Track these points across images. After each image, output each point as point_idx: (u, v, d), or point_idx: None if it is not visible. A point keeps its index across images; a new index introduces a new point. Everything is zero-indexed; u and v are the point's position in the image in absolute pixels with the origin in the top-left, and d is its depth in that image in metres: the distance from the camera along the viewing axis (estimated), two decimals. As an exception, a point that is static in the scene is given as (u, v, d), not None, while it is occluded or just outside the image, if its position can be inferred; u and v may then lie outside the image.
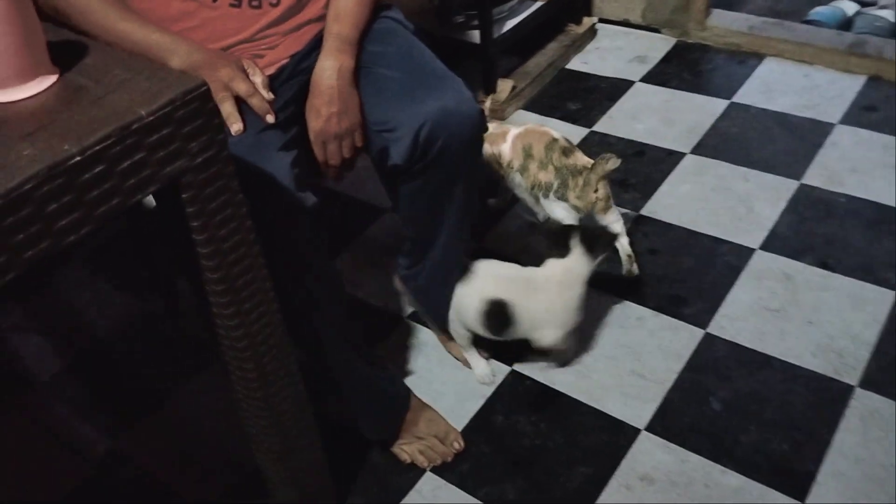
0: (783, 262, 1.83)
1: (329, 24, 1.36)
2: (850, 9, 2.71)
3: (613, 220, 1.78)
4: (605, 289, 1.82)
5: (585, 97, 2.46)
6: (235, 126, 1.20)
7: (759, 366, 1.61)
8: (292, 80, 1.40)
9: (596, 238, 1.58)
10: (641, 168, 2.17)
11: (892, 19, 2.59)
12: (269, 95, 1.25)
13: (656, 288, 1.82)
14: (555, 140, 1.76)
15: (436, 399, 1.62)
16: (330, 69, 1.32)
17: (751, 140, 2.20)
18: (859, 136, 2.15)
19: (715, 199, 2.03)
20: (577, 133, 2.32)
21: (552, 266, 1.57)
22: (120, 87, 0.86)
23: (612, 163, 1.70)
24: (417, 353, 1.76)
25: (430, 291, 1.63)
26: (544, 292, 1.55)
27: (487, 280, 1.56)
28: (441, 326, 1.69)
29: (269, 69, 1.37)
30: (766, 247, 1.87)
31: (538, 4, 2.49)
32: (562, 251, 1.56)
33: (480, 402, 1.63)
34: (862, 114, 2.23)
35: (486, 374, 1.66)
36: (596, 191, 1.72)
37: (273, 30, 1.37)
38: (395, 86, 1.36)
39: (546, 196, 1.75)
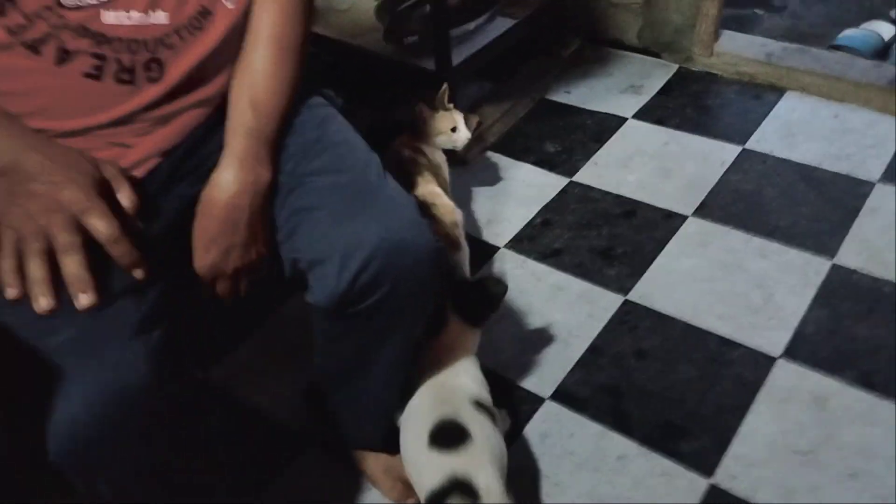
0: (814, 379, 1.38)
1: (237, 112, 0.94)
2: (887, 32, 2.26)
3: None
4: (572, 404, 1.37)
5: (567, 136, 2.01)
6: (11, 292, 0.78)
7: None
8: (170, 191, 0.97)
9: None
10: (631, 234, 1.72)
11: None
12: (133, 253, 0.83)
13: (645, 411, 1.37)
14: None
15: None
16: (236, 183, 0.91)
17: (769, 201, 1.75)
18: (907, 199, 1.71)
19: (724, 282, 1.58)
20: (553, 184, 1.87)
21: None
22: None
23: None
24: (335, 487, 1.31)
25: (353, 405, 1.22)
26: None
27: None
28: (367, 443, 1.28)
29: (136, 170, 0.94)
30: (790, 354, 1.43)
31: (510, 23, 2.04)
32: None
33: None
34: (909, 169, 1.79)
35: None
36: None
37: (148, 114, 0.93)
38: (324, 202, 0.95)
39: None
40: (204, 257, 0.93)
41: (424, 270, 0.95)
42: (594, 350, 1.48)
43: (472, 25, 1.97)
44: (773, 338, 1.46)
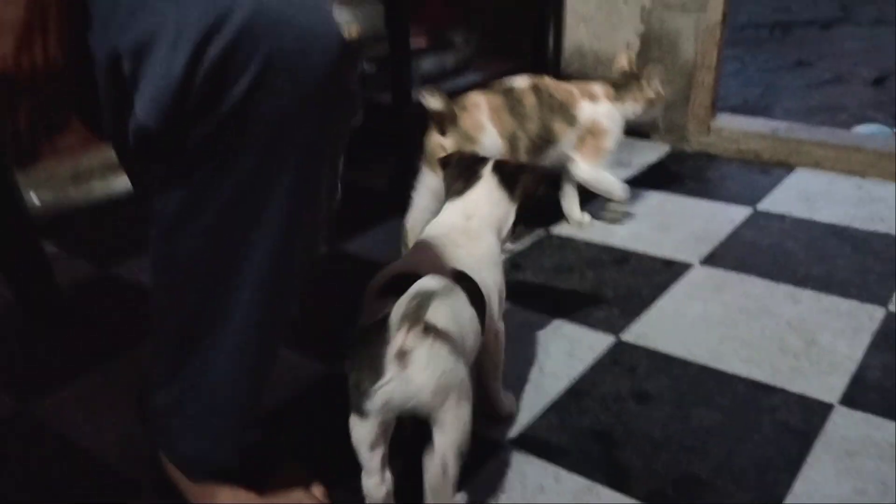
0: (884, 429, 0.96)
1: None
2: (899, 132, 2.05)
3: None
4: (543, 452, 0.93)
5: (544, 200, 1.70)
6: None
7: None
8: None
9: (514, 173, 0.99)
10: (623, 279, 1.35)
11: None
12: None
13: (650, 462, 0.92)
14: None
15: None
16: None
17: (795, 253, 1.41)
18: (965, 255, 1.37)
19: (748, 325, 1.19)
20: (527, 237, 1.52)
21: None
22: None
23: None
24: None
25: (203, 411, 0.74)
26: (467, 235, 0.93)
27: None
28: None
29: None
30: (849, 401, 1.01)
31: (482, 76, 1.81)
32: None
33: None
34: (959, 230, 1.46)
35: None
36: None
37: None
38: None
39: None
40: None
41: (319, 65, 0.58)
42: (575, 392, 1.06)
43: (428, 64, 1.73)
44: (825, 383, 1.05)
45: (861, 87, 2.99)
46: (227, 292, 0.65)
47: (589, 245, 1.48)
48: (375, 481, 0.76)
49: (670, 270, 1.37)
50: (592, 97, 1.44)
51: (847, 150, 1.73)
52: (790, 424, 0.97)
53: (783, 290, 1.28)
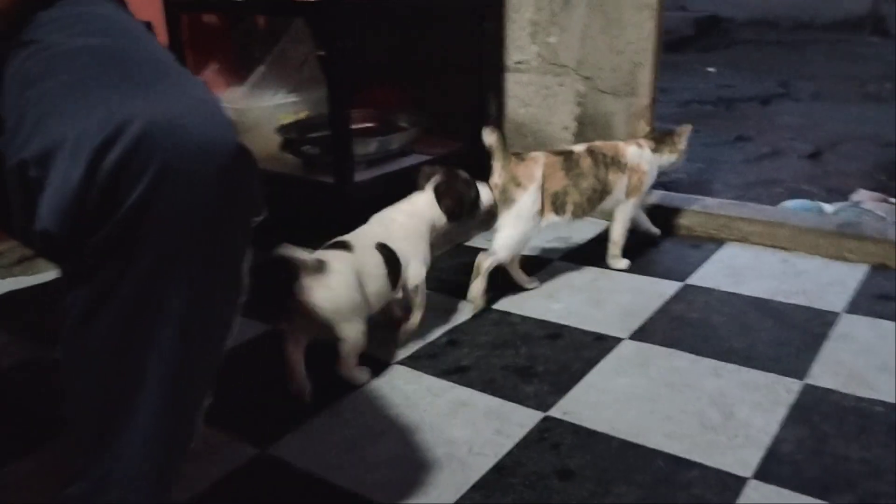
0: (799, 502, 0.99)
1: None
2: (829, 207, 2.15)
3: None
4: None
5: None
6: None
7: None
8: None
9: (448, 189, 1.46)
10: (555, 354, 1.39)
11: (883, 213, 2.02)
12: None
13: (569, 537, 0.95)
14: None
15: None
16: None
17: (718, 326, 1.46)
18: (882, 328, 1.43)
19: (669, 400, 1.23)
20: (466, 310, 1.56)
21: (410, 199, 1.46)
22: None
23: None
24: None
25: None
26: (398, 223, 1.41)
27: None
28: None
29: None
30: (764, 475, 1.05)
31: (424, 158, 1.88)
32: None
33: None
34: (876, 303, 1.53)
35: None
36: None
37: None
38: (63, 68, 0.67)
39: None
40: None
41: (212, 171, 0.63)
42: (501, 469, 1.08)
43: (373, 146, 1.79)
44: (740, 457, 1.09)
45: (797, 161, 3.13)
46: (133, 388, 0.67)
47: (525, 319, 1.52)
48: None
49: (600, 345, 1.41)
50: (638, 145, 1.69)
51: (773, 225, 1.81)
52: (705, 499, 1.00)
53: (706, 364, 1.33)
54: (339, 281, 1.22)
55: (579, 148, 1.62)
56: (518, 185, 1.53)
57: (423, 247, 1.41)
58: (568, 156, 1.59)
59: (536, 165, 1.54)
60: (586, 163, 1.60)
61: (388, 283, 1.32)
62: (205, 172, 0.62)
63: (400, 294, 1.41)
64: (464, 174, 1.48)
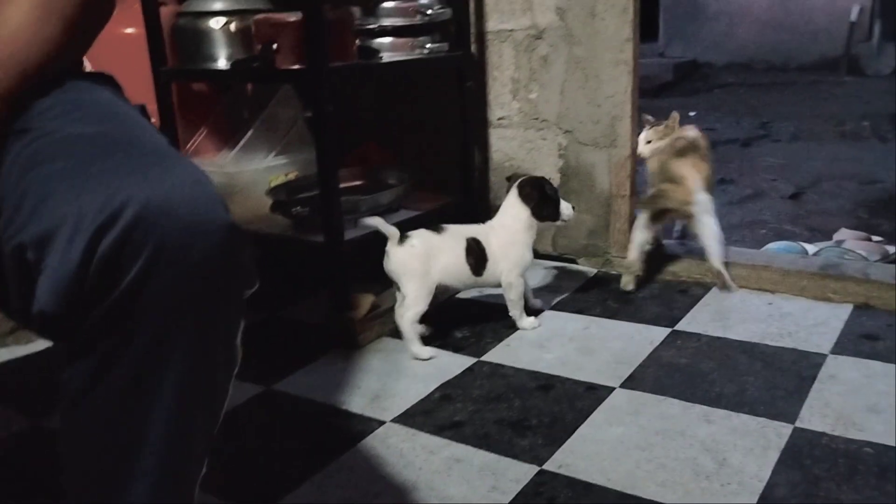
0: (796, 548, 1.00)
1: None
2: (812, 248, 2.19)
3: None
4: None
5: (477, 324, 1.77)
6: None
7: None
8: None
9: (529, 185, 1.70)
10: (548, 406, 1.40)
11: (864, 253, 2.06)
12: None
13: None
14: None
15: None
16: None
17: (707, 372, 1.48)
18: (868, 368, 1.45)
19: (664, 448, 1.24)
20: (458, 363, 1.58)
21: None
22: None
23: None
24: None
25: None
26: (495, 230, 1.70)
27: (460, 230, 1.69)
28: None
29: None
30: (759, 521, 1.06)
31: (413, 214, 1.91)
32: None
33: None
34: (861, 343, 1.56)
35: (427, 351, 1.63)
36: None
37: None
38: (62, 153, 0.70)
39: None
40: None
41: (204, 250, 0.65)
42: None
43: (362, 204, 1.83)
44: (734, 500, 1.10)
45: (779, 202, 3.19)
46: (131, 458, 0.69)
47: (517, 371, 1.54)
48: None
49: (593, 395, 1.42)
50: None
51: (757, 268, 1.84)
52: (700, 548, 1.01)
53: (697, 410, 1.35)
54: (408, 250, 1.58)
55: (692, 133, 2.02)
56: (675, 182, 1.84)
57: (515, 251, 1.67)
58: (693, 143, 1.96)
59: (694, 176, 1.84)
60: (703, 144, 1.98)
61: (466, 268, 1.64)
62: (198, 250, 0.65)
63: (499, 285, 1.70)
64: (545, 178, 1.73)
